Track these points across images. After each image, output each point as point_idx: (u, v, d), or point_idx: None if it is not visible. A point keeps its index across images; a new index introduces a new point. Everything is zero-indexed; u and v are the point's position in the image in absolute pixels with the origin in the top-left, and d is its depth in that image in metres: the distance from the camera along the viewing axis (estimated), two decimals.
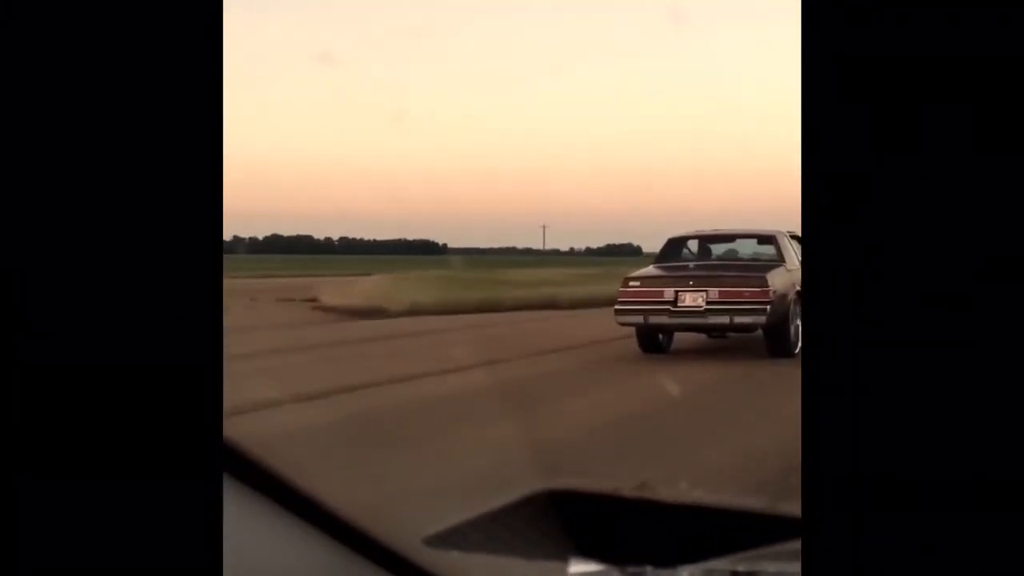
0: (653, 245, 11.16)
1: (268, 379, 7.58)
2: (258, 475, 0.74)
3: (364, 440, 5.33)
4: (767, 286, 8.92)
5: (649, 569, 1.04)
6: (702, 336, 10.19)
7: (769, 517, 1.15)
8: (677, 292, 9.11)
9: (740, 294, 8.96)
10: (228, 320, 0.85)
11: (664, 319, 9.21)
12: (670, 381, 7.58)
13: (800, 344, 9.23)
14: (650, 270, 9.96)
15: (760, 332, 9.26)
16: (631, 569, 1.05)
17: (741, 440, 5.26)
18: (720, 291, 9.01)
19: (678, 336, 9.94)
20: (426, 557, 0.89)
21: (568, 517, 1.12)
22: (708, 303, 9.00)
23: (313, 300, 18.94)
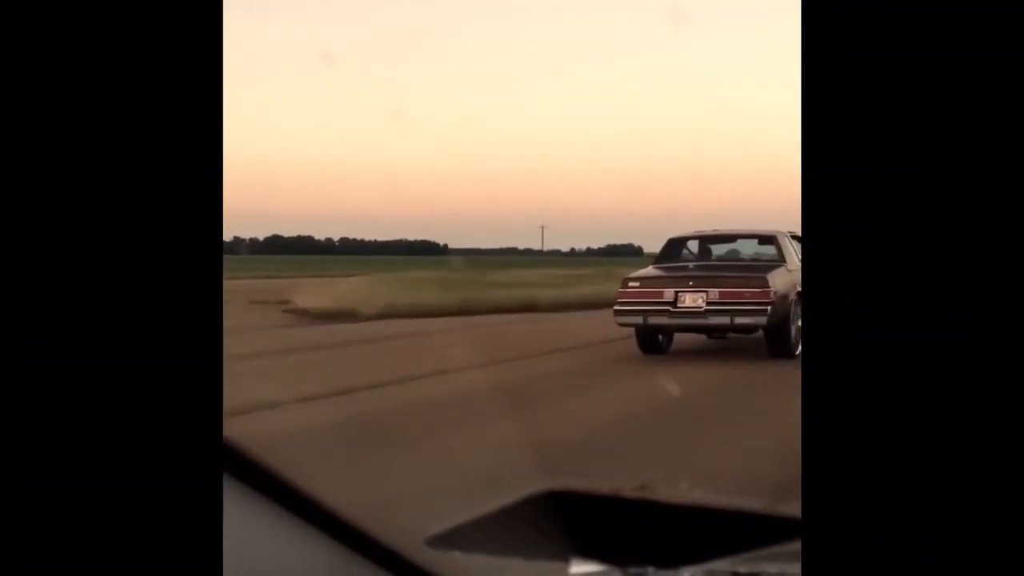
0: (654, 245, 11.13)
1: None
2: (258, 475, 0.74)
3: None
4: (768, 286, 8.92)
5: (650, 570, 1.04)
6: (702, 337, 10.19)
7: (769, 518, 1.15)
8: (677, 293, 9.10)
9: (740, 294, 8.96)
10: None
11: (664, 320, 9.20)
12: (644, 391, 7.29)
13: (800, 345, 9.23)
14: (650, 270, 9.96)
15: (761, 333, 9.25)
16: (632, 570, 1.05)
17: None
18: (720, 291, 9.00)
19: (677, 337, 9.94)
20: (427, 557, 0.89)
21: (569, 518, 1.12)
22: (708, 304, 9.00)
23: (286, 302, 18.26)
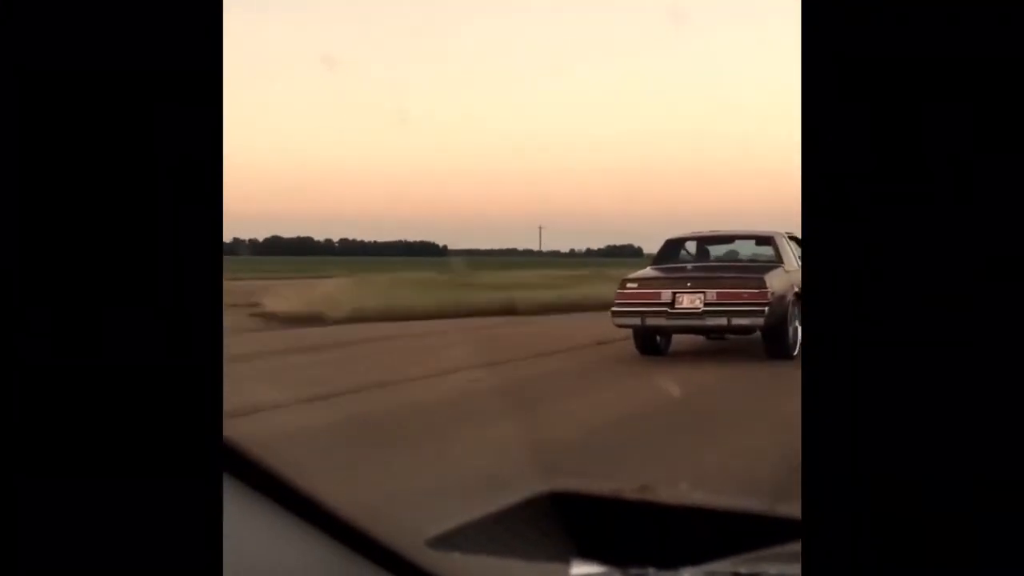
0: (654, 246, 11.07)
1: None
2: (258, 475, 0.74)
3: None
4: (765, 287, 8.92)
5: (650, 571, 1.04)
6: (700, 338, 10.19)
7: (770, 519, 1.15)
8: (675, 293, 9.10)
9: (738, 295, 8.96)
10: None
11: (662, 321, 9.20)
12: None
13: (799, 346, 9.23)
14: (647, 271, 9.96)
15: (758, 334, 9.26)
16: (632, 571, 1.05)
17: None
18: (718, 292, 9.01)
19: (676, 338, 9.94)
20: (427, 558, 0.88)
21: (570, 519, 1.12)
22: (706, 304, 9.00)
23: (255, 305, 17.22)
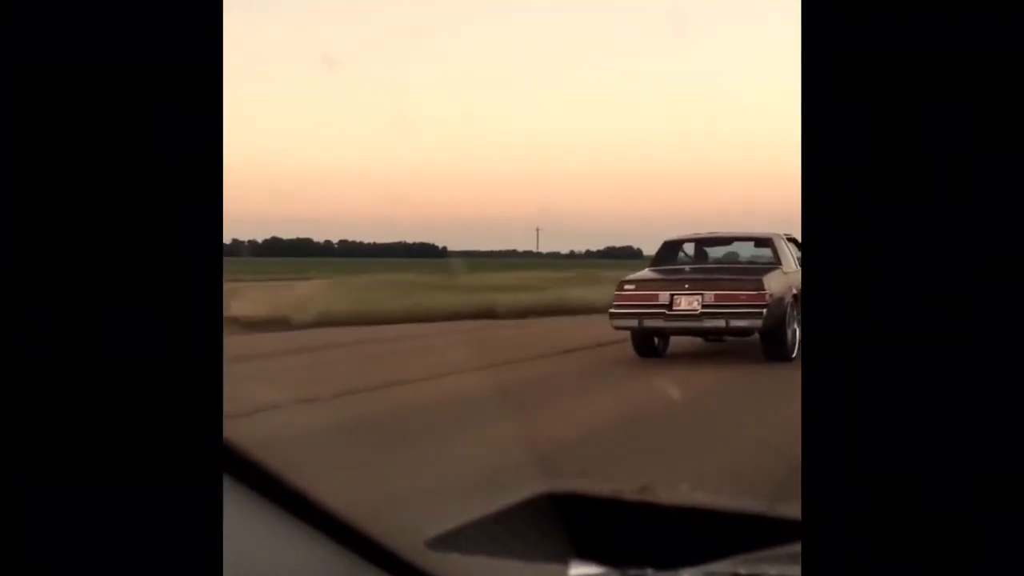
0: (653, 248, 10.99)
1: None
2: (258, 476, 0.74)
3: None
4: (763, 289, 8.92)
5: (650, 571, 1.04)
6: (698, 339, 10.19)
7: (769, 519, 1.15)
8: (672, 295, 9.10)
9: (736, 297, 8.96)
10: None
11: (659, 323, 9.19)
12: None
13: (797, 348, 9.22)
14: (645, 273, 9.96)
15: (757, 336, 9.25)
16: (632, 571, 1.04)
17: None
18: (716, 294, 9.00)
19: (673, 340, 9.94)
20: (427, 559, 0.88)
21: (569, 519, 1.12)
22: (704, 306, 8.99)
23: None
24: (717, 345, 10.28)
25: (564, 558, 1.07)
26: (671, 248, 10.51)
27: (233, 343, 11.16)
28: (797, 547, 0.89)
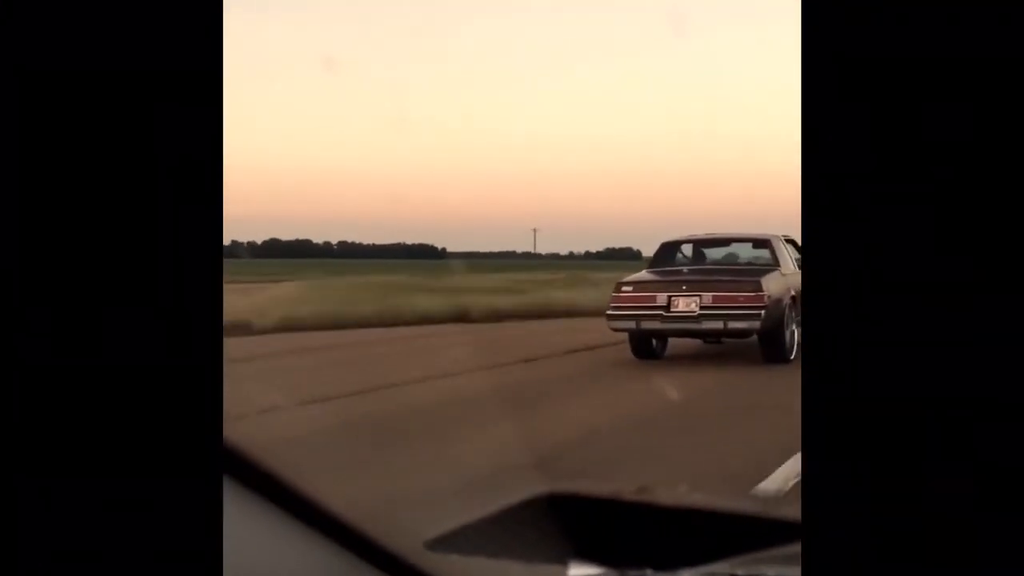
0: (653, 249, 11.02)
1: None
2: (258, 477, 0.74)
3: None
4: (761, 290, 8.92)
5: (649, 572, 1.04)
6: (696, 341, 10.18)
7: (769, 520, 1.15)
8: (670, 297, 9.09)
9: (734, 299, 8.95)
10: None
11: (657, 324, 9.18)
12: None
13: (795, 350, 9.22)
14: (643, 275, 9.95)
15: (755, 338, 9.25)
16: (631, 572, 1.04)
17: None
18: (714, 296, 8.99)
19: (672, 341, 9.93)
20: (426, 560, 0.88)
21: (568, 520, 1.12)
22: (702, 308, 8.99)
23: None
24: (715, 347, 10.27)
25: (563, 559, 1.07)
26: (669, 249, 10.51)
27: None
28: (796, 548, 0.89)
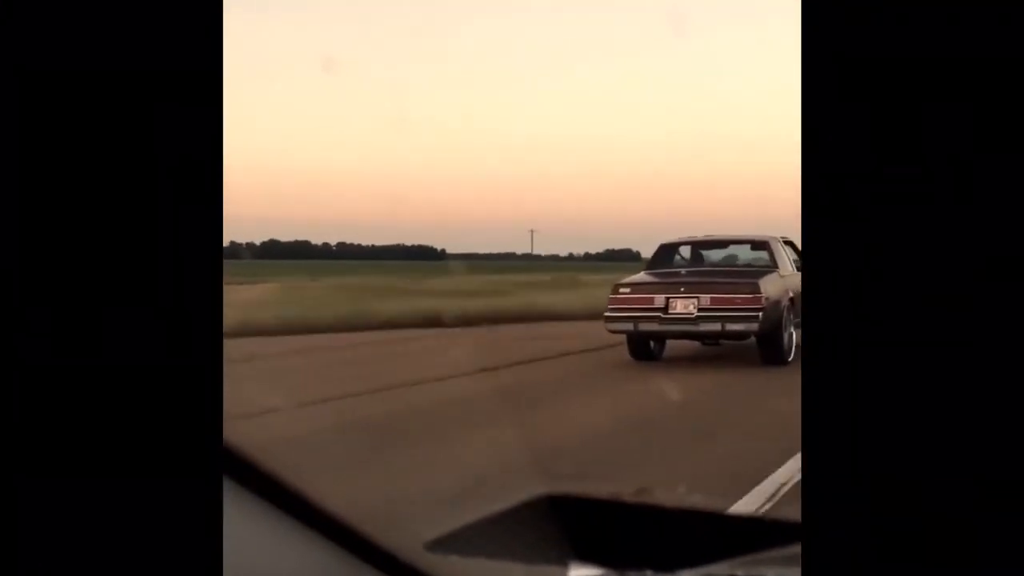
0: (652, 251, 11.08)
1: None
2: (258, 478, 0.74)
3: None
4: (759, 292, 8.92)
5: (648, 573, 1.04)
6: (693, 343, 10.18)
7: (769, 521, 1.15)
8: (668, 299, 9.09)
9: (732, 301, 8.95)
10: None
11: (655, 326, 9.18)
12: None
13: (794, 352, 9.22)
14: (641, 276, 9.95)
15: (753, 340, 9.24)
16: (630, 574, 1.04)
17: None
18: (712, 298, 8.99)
19: (670, 343, 9.93)
20: (426, 561, 0.88)
21: (568, 522, 1.12)
22: (700, 310, 8.98)
23: None
24: (714, 349, 10.27)
25: (563, 560, 1.07)
26: (667, 251, 10.51)
27: None
28: (796, 549, 0.89)
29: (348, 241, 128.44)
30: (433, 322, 14.40)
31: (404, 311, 15.12)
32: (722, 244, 11.02)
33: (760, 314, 8.82)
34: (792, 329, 9.31)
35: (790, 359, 9.11)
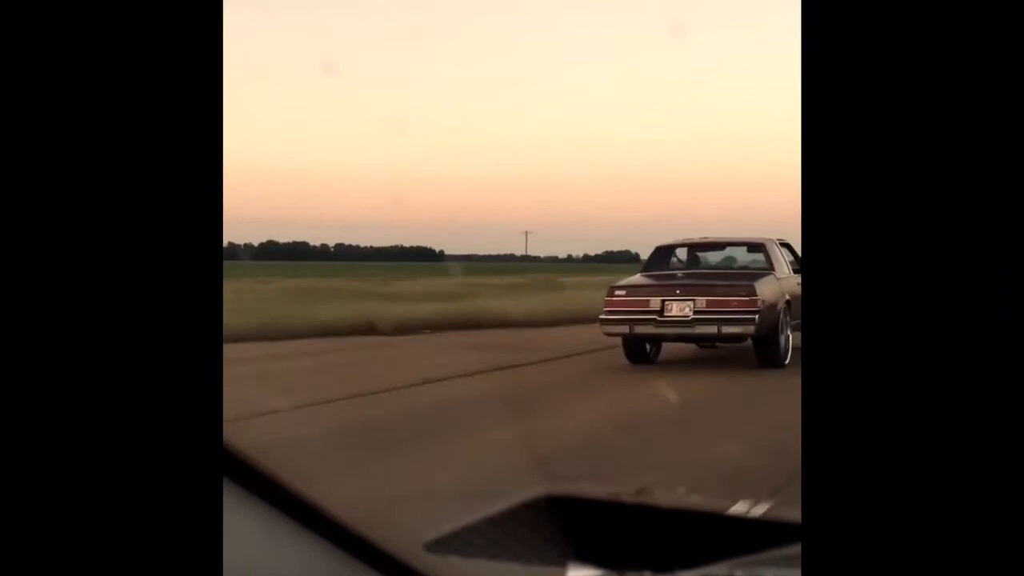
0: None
1: None
2: (258, 480, 0.74)
3: None
4: (755, 295, 8.91)
5: (647, 574, 1.04)
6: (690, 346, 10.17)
7: (769, 521, 1.15)
8: (664, 301, 9.07)
9: (728, 303, 8.94)
10: None
11: (650, 329, 9.15)
12: None
13: (790, 354, 9.21)
14: (637, 279, 9.94)
15: (749, 342, 9.23)
16: (630, 574, 1.04)
17: None
18: (708, 300, 8.98)
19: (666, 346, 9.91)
20: (425, 562, 0.88)
21: (567, 522, 1.12)
22: (695, 312, 8.97)
23: None
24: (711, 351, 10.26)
25: (562, 561, 1.07)
26: (663, 253, 10.50)
27: None
28: (795, 549, 0.89)
29: (347, 242, 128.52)
30: (370, 329, 13.47)
31: (335, 318, 13.83)
32: (718, 246, 11.01)
33: (756, 317, 8.82)
34: (788, 332, 9.30)
35: (786, 362, 9.10)
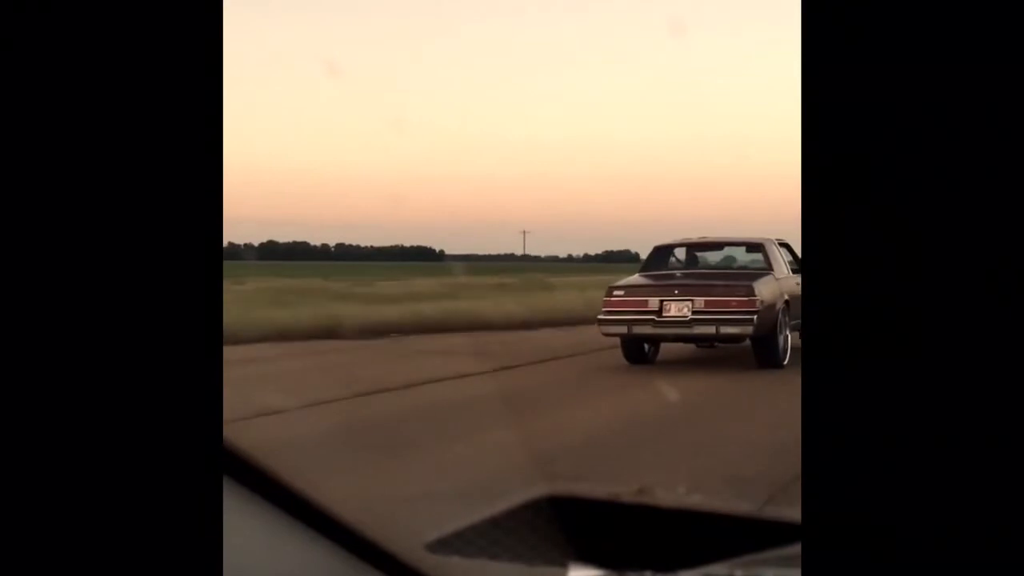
0: None
1: None
2: (258, 479, 0.74)
3: None
4: (754, 295, 8.90)
5: (648, 574, 1.04)
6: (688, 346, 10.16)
7: (769, 522, 1.15)
8: (662, 301, 9.05)
9: (726, 303, 8.92)
10: None
11: (648, 329, 9.14)
12: None
13: (788, 355, 9.21)
14: (635, 279, 9.93)
15: (748, 342, 9.22)
16: (630, 574, 1.04)
17: None
18: (706, 300, 8.96)
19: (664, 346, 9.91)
20: (427, 562, 0.88)
21: (568, 522, 1.12)
22: (694, 313, 8.95)
23: None
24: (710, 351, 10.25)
25: (563, 561, 1.07)
26: (661, 253, 10.48)
27: None
28: (795, 549, 0.89)
29: (347, 242, 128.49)
30: (330, 333, 12.68)
31: (299, 319, 13.13)
32: (717, 246, 11.00)
33: (754, 317, 8.81)
34: (787, 332, 9.29)
35: (785, 362, 9.09)
